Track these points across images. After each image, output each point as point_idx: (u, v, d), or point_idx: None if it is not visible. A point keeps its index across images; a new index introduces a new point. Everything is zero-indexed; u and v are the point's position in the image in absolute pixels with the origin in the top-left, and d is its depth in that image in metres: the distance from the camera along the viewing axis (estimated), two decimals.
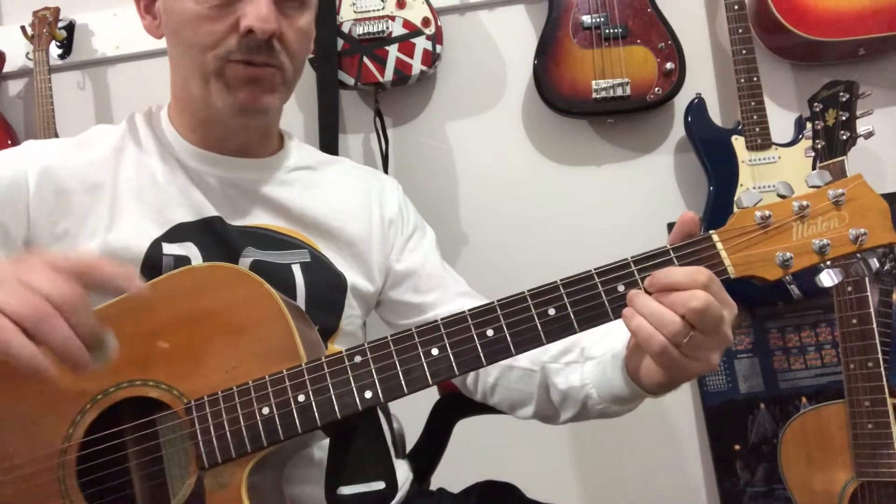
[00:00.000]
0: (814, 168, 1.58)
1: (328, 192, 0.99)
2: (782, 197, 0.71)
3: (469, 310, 0.72)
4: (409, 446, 1.15)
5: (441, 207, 1.80)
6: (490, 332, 0.71)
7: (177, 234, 0.86)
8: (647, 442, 1.75)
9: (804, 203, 0.70)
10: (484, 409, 1.02)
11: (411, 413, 1.11)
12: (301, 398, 0.71)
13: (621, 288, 0.71)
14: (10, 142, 1.88)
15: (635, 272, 0.71)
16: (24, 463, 0.73)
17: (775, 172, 1.60)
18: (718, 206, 1.61)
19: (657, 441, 1.75)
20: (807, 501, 1.38)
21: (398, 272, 1.01)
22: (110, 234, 0.84)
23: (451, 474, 1.08)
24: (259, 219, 0.92)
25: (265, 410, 0.71)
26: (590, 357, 0.87)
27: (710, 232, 0.71)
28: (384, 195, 1.04)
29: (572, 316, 0.71)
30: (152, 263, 0.84)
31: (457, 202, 1.82)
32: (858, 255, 0.70)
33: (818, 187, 0.71)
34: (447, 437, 1.10)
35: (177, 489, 0.74)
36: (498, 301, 0.72)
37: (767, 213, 0.70)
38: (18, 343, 0.58)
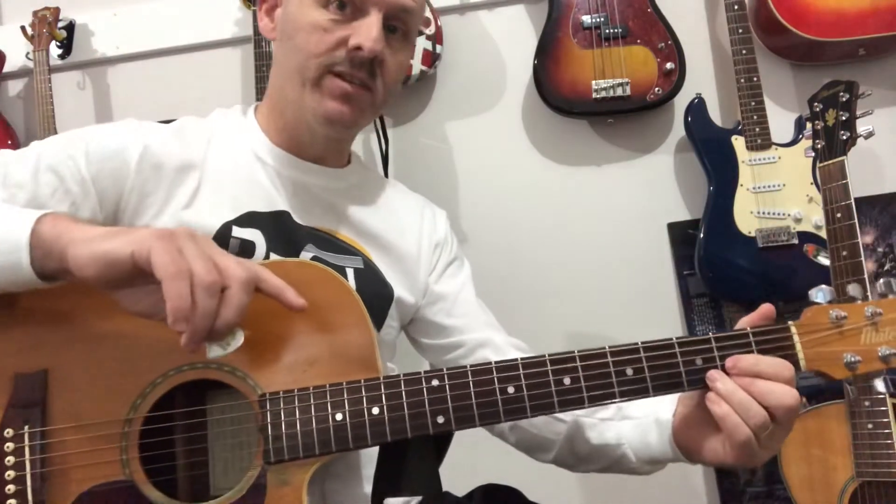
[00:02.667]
0: (814, 168, 1.58)
1: (386, 209, 1.05)
2: (853, 299, 0.75)
3: (550, 355, 0.74)
4: None
5: (441, 207, 1.80)
6: (567, 381, 0.73)
7: (247, 220, 0.91)
8: None
9: (878, 311, 0.74)
10: None
11: None
12: (375, 411, 0.72)
13: (699, 362, 0.74)
14: (9, 142, 1.88)
15: (714, 349, 0.74)
16: (90, 425, 0.74)
17: (775, 172, 1.60)
18: (718, 206, 1.61)
19: None
20: (807, 501, 1.38)
21: (435, 292, 1.06)
22: (186, 211, 0.89)
23: (452, 477, 1.08)
24: (322, 222, 0.98)
25: (338, 416, 0.72)
26: (627, 417, 0.89)
27: (790, 322, 0.75)
28: (435, 221, 1.11)
29: (649, 380, 0.73)
30: (220, 242, 0.87)
31: (457, 202, 1.82)
32: None
33: (886, 296, 0.75)
34: (448, 439, 1.10)
35: (221, 477, 0.75)
36: (578, 351, 0.74)
37: (843, 314, 0.74)
38: (179, 288, 0.63)
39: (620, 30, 1.66)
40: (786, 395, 0.70)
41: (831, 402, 1.37)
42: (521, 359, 0.74)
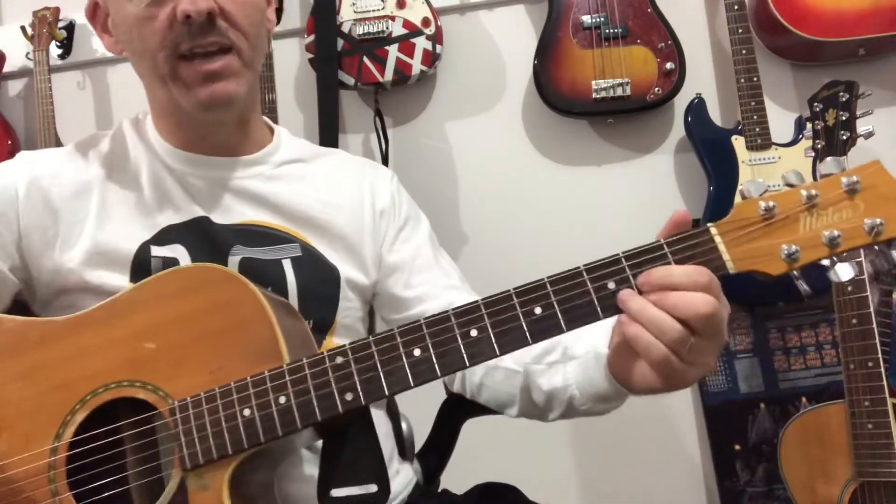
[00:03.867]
0: (814, 168, 1.58)
1: (318, 185, 0.98)
2: (791, 186, 0.66)
3: (453, 309, 0.70)
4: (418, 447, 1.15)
5: (441, 207, 1.80)
6: (474, 333, 0.69)
7: (165, 236, 0.87)
8: (647, 442, 1.75)
9: (813, 192, 0.64)
10: (491, 409, 1.02)
11: (419, 413, 1.11)
12: (282, 400, 0.70)
13: (612, 285, 0.67)
14: (9, 142, 1.89)
15: (627, 268, 0.67)
16: (12, 463, 0.73)
17: (775, 172, 1.60)
18: (718, 206, 1.61)
19: (657, 441, 1.75)
20: (807, 501, 1.38)
21: (389, 264, 1.00)
22: (99, 237, 0.85)
23: (453, 475, 1.08)
24: (247, 216, 0.92)
25: (246, 412, 0.71)
26: (572, 357, 0.85)
27: (708, 225, 0.67)
28: (377, 185, 1.03)
29: (560, 315, 0.67)
30: (141, 266, 0.84)
31: (457, 202, 1.82)
32: (877, 248, 0.64)
33: (831, 175, 0.65)
34: (455, 437, 1.10)
35: (158, 490, 0.74)
36: (482, 300, 0.70)
37: (772, 203, 0.65)
38: None
39: (620, 30, 1.66)
40: (698, 302, 0.63)
41: (831, 402, 1.37)
42: (424, 318, 0.70)
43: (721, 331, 0.66)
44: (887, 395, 1.27)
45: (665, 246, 0.67)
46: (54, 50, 1.86)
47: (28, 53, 1.84)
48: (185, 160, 0.92)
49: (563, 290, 0.68)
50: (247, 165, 0.95)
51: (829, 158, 0.67)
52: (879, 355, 1.28)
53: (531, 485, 0.98)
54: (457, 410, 1.09)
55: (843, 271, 0.64)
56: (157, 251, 0.85)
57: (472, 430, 1.12)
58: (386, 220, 1.01)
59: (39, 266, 0.85)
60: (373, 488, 0.73)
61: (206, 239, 0.88)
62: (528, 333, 0.68)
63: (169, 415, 0.72)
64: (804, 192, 0.64)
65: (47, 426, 0.74)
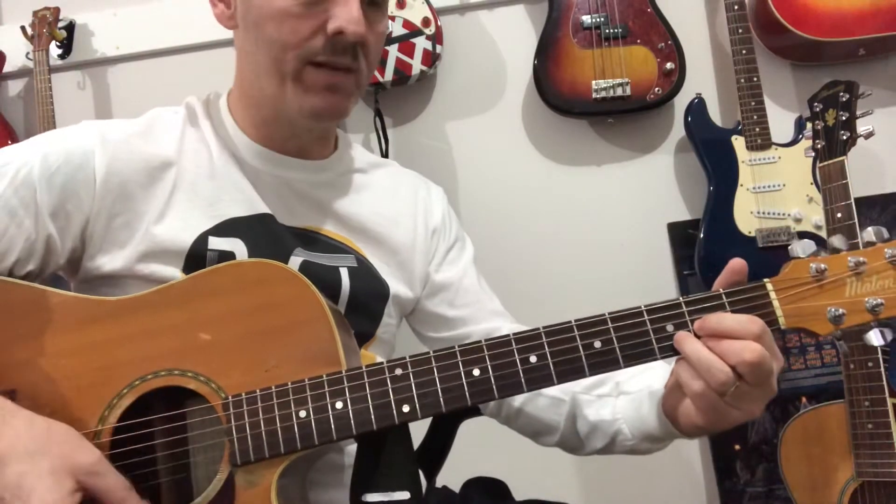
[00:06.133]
0: (813, 168, 1.58)
1: (376, 197, 0.99)
2: (837, 250, 0.71)
3: (514, 334, 0.72)
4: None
5: None
6: (533, 359, 0.71)
7: (226, 228, 0.85)
8: None
9: (861, 259, 0.69)
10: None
11: None
12: (339, 405, 0.71)
13: (670, 328, 0.70)
14: (9, 142, 1.88)
15: (686, 313, 0.70)
16: None
17: (775, 172, 1.60)
18: (718, 207, 1.61)
19: None
20: (807, 501, 1.38)
21: (435, 282, 1.01)
22: (158, 226, 0.83)
23: (454, 473, 1.08)
24: (309, 220, 0.92)
25: (302, 414, 0.71)
26: (624, 392, 0.86)
27: (765, 280, 0.71)
28: (430, 202, 1.04)
29: (618, 351, 0.70)
30: (196, 257, 0.83)
31: (457, 202, 1.82)
32: None
33: (874, 244, 0.70)
34: (451, 438, 1.10)
35: (201, 482, 0.74)
36: (544, 328, 0.72)
37: (823, 266, 0.69)
38: None
39: (620, 30, 1.66)
40: (745, 350, 0.65)
41: (831, 402, 1.37)
42: (485, 340, 0.72)
43: (768, 381, 0.68)
44: (887, 395, 1.27)
45: (724, 296, 0.70)
46: (54, 50, 1.86)
47: (28, 53, 1.84)
48: (258, 155, 0.91)
49: (624, 327, 0.71)
50: (315, 171, 0.95)
51: (870, 228, 0.71)
52: (879, 355, 1.28)
53: (530, 484, 0.98)
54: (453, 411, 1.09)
55: (874, 337, 0.69)
56: (214, 243, 0.84)
57: (470, 430, 1.12)
58: (437, 239, 1.02)
59: (96, 249, 0.83)
60: (405, 496, 0.73)
61: (268, 236, 0.87)
62: (586, 365, 0.70)
63: (222, 409, 0.72)
64: (851, 260, 0.69)
65: (93, 408, 0.73)
